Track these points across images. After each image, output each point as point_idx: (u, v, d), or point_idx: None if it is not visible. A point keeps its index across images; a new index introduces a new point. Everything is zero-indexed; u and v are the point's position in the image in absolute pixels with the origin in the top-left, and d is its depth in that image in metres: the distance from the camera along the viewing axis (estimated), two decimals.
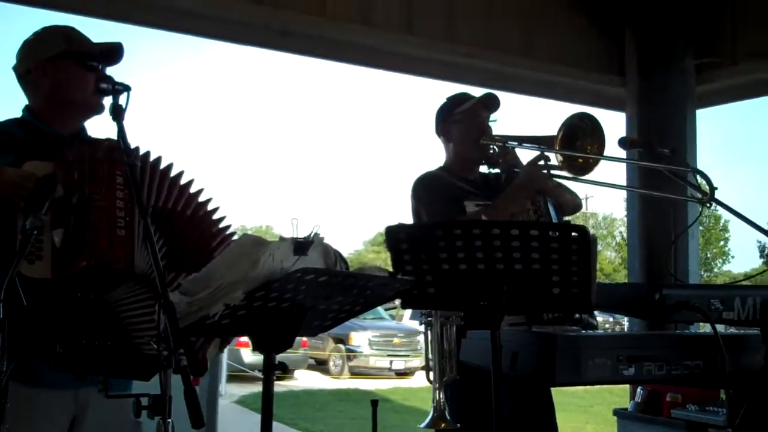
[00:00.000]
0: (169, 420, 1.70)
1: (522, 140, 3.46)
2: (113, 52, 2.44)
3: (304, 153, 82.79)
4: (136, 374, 2.05)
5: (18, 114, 2.51)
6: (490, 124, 3.54)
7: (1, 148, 2.30)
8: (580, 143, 3.35)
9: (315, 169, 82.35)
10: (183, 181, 2.48)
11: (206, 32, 5.29)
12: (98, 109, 2.46)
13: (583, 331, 2.77)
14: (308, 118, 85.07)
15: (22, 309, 1.84)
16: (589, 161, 3.32)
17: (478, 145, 3.49)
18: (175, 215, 2.42)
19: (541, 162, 3.32)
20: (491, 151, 3.50)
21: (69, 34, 2.50)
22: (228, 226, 2.56)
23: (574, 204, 3.58)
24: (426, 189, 3.46)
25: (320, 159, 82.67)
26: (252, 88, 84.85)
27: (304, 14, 5.08)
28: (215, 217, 2.55)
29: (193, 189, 2.51)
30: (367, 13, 5.27)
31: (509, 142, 3.45)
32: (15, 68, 2.52)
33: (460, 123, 3.55)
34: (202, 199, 2.53)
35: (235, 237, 2.50)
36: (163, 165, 2.43)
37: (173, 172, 2.46)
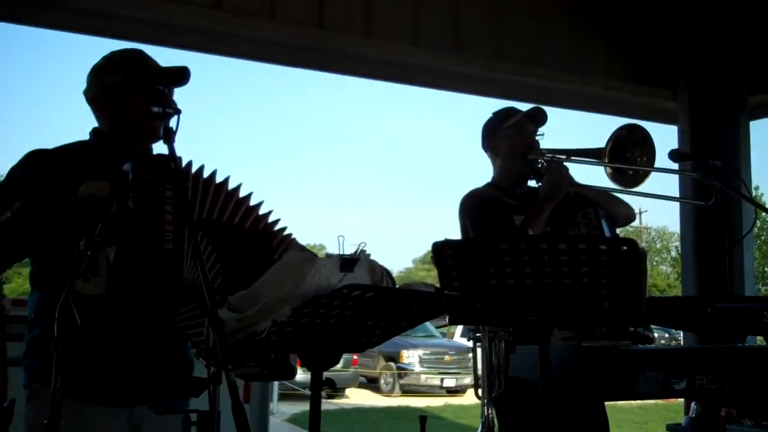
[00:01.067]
0: None
1: (570, 153, 3.43)
2: (178, 75, 2.46)
3: (357, 171, 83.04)
4: (186, 391, 2.07)
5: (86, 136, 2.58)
6: (537, 138, 3.52)
7: (65, 169, 2.36)
8: (630, 155, 3.31)
9: (366, 187, 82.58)
10: (241, 194, 2.49)
11: (258, 56, 5.39)
12: (158, 134, 2.50)
13: (635, 346, 2.74)
14: (363, 135, 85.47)
15: (76, 328, 1.87)
16: (639, 173, 3.28)
17: (525, 159, 3.45)
18: (231, 228, 2.42)
19: (559, 170, 3.32)
20: (539, 166, 3.47)
21: (134, 59, 2.55)
22: (290, 235, 2.55)
23: (626, 215, 3.52)
24: (474, 206, 3.45)
25: (372, 177, 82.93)
26: (304, 105, 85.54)
27: (352, 35, 5.14)
28: (276, 228, 2.54)
29: (252, 202, 2.51)
30: (415, 34, 5.31)
31: (557, 156, 3.42)
32: (85, 92, 2.59)
33: (507, 138, 3.52)
34: (262, 212, 2.53)
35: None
36: (219, 179, 2.45)
37: (230, 186, 2.47)
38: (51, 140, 2.56)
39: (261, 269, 2.36)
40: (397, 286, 2.11)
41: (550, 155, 3.44)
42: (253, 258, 2.44)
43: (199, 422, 1.70)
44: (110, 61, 2.58)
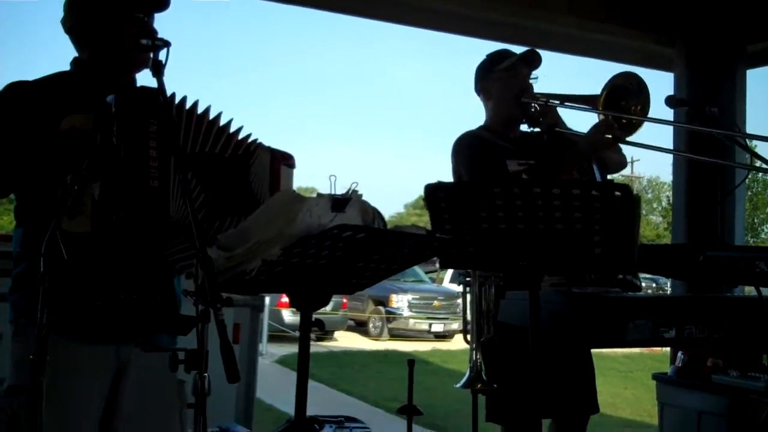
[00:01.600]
0: (206, 374, 1.69)
1: (564, 99, 3.38)
2: (158, 0, 2.39)
3: (349, 113, 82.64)
4: (174, 328, 2.06)
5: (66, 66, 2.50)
6: (531, 81, 3.47)
7: (46, 102, 2.31)
8: (624, 103, 3.28)
9: (358, 130, 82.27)
10: (222, 122, 2.39)
11: None
12: (143, 64, 2.43)
13: (625, 293, 2.74)
14: (356, 77, 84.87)
15: (62, 263, 1.85)
16: (633, 122, 3.25)
17: (519, 103, 3.41)
18: (213, 158, 2.35)
19: (606, 130, 3.22)
20: (532, 110, 3.43)
21: None
22: (255, 140, 2.45)
23: (618, 162, 3.49)
24: (467, 148, 3.41)
25: (363, 120, 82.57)
26: (298, 45, 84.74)
27: None
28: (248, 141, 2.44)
29: (232, 129, 2.41)
30: None
31: (551, 101, 3.38)
32: (62, 22, 2.50)
33: (501, 80, 3.47)
34: (241, 136, 2.43)
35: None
36: (200, 109, 2.35)
37: (211, 115, 2.37)
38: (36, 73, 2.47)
39: (240, 193, 2.34)
40: (388, 228, 2.08)
41: (544, 99, 3.40)
42: (232, 183, 2.38)
43: (187, 360, 1.69)
44: None
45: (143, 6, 2.41)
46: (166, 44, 2.09)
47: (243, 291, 1.95)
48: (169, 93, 2.13)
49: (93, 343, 2.31)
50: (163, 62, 2.05)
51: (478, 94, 3.59)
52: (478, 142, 3.43)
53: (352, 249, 1.92)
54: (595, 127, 3.24)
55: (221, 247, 1.80)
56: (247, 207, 2.24)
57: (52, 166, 2.15)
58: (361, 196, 1.94)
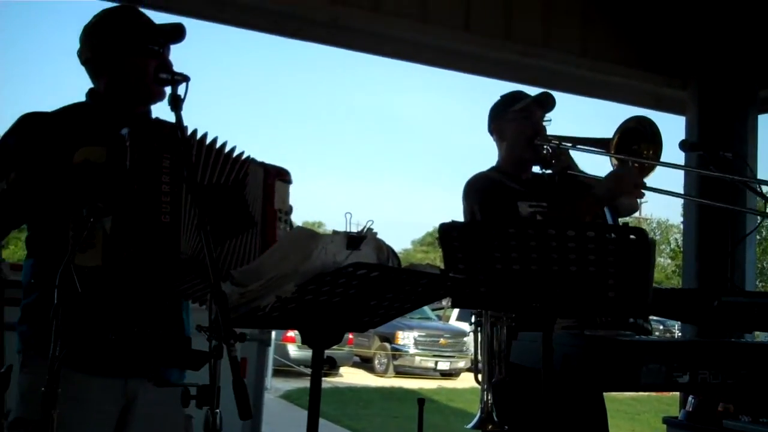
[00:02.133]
0: (217, 410, 1.69)
1: (577, 141, 3.39)
2: (174, 33, 2.37)
3: (359, 150, 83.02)
4: (186, 364, 2.05)
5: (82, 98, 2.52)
6: (545, 124, 3.48)
7: (61, 133, 2.32)
8: (636, 147, 3.28)
9: (367, 166, 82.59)
10: (218, 144, 2.36)
11: (259, 26, 5.34)
12: (159, 97, 2.45)
13: (637, 337, 2.72)
14: (367, 114, 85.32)
15: (76, 296, 1.84)
16: (645, 166, 3.25)
17: (531, 145, 3.41)
18: (218, 188, 2.34)
19: (630, 177, 3.19)
20: (545, 152, 3.44)
21: (126, 18, 2.47)
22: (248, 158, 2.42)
23: (630, 207, 3.49)
24: (478, 190, 3.41)
25: (374, 157, 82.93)
26: (307, 81, 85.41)
27: (355, 8, 5.09)
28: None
29: (227, 149, 2.38)
30: (423, 10, 5.26)
31: (563, 144, 3.39)
32: (78, 54, 2.51)
33: (515, 121, 3.47)
34: (235, 154, 2.40)
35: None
36: (209, 139, 2.34)
37: (218, 144, 2.36)
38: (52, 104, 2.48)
39: (236, 214, 2.33)
40: (402, 267, 2.08)
41: (557, 141, 3.40)
42: (231, 207, 2.36)
43: (198, 396, 1.68)
44: (102, 20, 2.48)
45: (159, 38, 2.42)
46: (186, 79, 2.10)
47: (255, 326, 1.95)
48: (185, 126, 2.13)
49: (102, 376, 2.30)
50: (182, 97, 2.06)
51: (492, 135, 3.59)
52: (490, 184, 3.42)
53: (366, 287, 1.91)
54: (614, 175, 3.23)
55: (235, 283, 1.80)
56: (243, 226, 2.25)
57: (65, 199, 2.15)
58: (376, 234, 1.94)
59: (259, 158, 2.45)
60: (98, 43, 2.45)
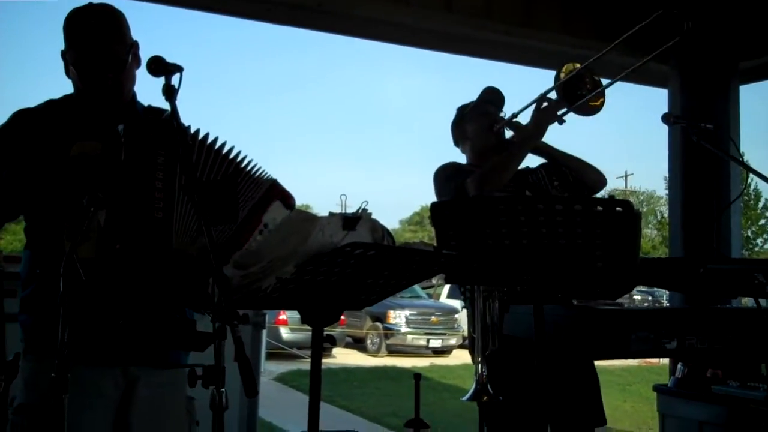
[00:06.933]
0: (223, 389, 1.73)
1: (526, 107, 3.49)
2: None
3: (344, 131, 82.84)
4: (192, 345, 2.10)
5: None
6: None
7: (54, 128, 2.35)
8: (580, 92, 3.39)
9: (353, 147, 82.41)
10: (216, 145, 2.37)
11: (247, 12, 5.36)
12: (121, 66, 2.44)
13: (627, 304, 2.78)
14: (350, 95, 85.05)
15: (78, 285, 1.88)
16: (596, 104, 3.39)
17: (492, 131, 3.54)
18: (210, 183, 2.35)
19: (545, 104, 3.35)
20: (506, 138, 3.55)
21: (68, 27, 2.45)
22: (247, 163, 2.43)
23: (597, 181, 3.57)
24: (444, 178, 3.50)
25: (359, 137, 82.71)
26: (288, 66, 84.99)
27: None
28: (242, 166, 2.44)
29: (233, 154, 2.40)
30: None
31: (517, 118, 3.51)
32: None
33: (471, 120, 3.63)
34: (227, 150, 2.41)
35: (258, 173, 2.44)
36: (201, 135, 2.34)
37: (217, 144, 2.37)
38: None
39: (224, 206, 2.33)
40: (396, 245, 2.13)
41: (511, 118, 3.52)
42: (221, 199, 2.36)
43: (204, 376, 1.73)
44: (64, 23, 2.47)
45: (99, 67, 2.42)
46: (179, 69, 2.12)
47: (256, 307, 2.00)
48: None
49: (102, 365, 2.33)
50: (176, 87, 2.08)
51: (457, 145, 3.73)
52: (456, 172, 3.51)
53: (363, 266, 1.97)
54: (536, 109, 3.38)
55: (236, 265, 1.85)
56: (223, 218, 2.28)
57: (63, 191, 2.18)
58: (370, 214, 1.99)
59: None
60: (64, 45, 2.46)
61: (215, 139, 2.36)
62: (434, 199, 3.37)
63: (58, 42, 2.46)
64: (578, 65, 3.41)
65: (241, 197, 2.38)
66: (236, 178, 2.39)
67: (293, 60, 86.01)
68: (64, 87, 2.51)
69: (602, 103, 3.40)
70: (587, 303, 2.91)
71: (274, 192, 2.47)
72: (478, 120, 3.60)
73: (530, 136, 3.38)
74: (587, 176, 3.52)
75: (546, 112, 3.36)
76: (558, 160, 3.52)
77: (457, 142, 3.73)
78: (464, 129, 3.67)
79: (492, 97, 3.62)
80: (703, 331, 2.46)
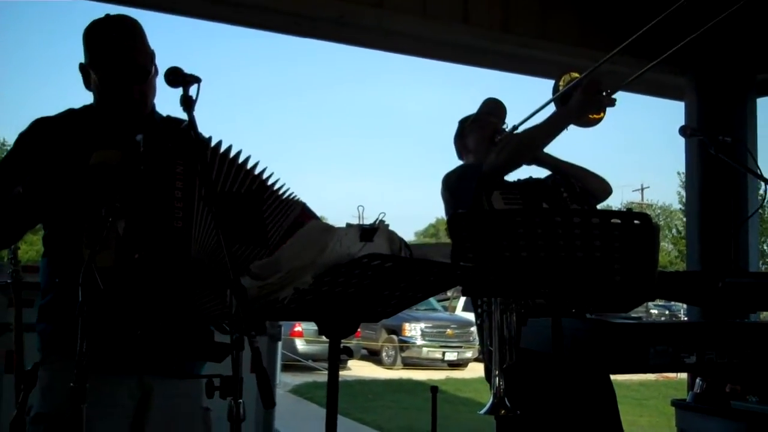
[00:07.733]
0: (241, 400, 1.73)
1: (528, 118, 3.48)
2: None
3: (360, 143, 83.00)
4: (210, 356, 2.09)
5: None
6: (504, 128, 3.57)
7: (73, 136, 2.37)
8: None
9: (368, 159, 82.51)
10: (241, 160, 2.35)
11: (262, 24, 5.38)
12: (145, 76, 2.47)
13: (644, 318, 2.77)
14: (366, 107, 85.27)
15: (97, 294, 1.88)
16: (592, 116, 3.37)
17: (493, 142, 3.51)
18: (232, 196, 2.33)
19: (591, 88, 3.32)
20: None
21: (89, 41, 2.48)
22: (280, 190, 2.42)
23: (602, 190, 3.56)
24: (456, 178, 3.49)
25: (375, 149, 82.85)
26: (306, 76, 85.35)
27: (361, 5, 5.14)
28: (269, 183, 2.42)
29: (248, 165, 2.37)
30: (422, 4, 5.31)
31: (518, 129, 3.48)
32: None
33: (472, 132, 3.62)
34: (251, 165, 2.39)
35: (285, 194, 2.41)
36: (223, 148, 2.32)
37: (241, 158, 2.35)
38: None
39: (250, 224, 2.33)
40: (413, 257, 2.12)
41: (513, 129, 3.50)
42: (245, 215, 2.36)
43: (222, 387, 1.73)
44: (84, 36, 2.49)
45: (125, 80, 2.44)
46: (197, 80, 2.13)
47: (274, 318, 2.00)
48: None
49: (118, 374, 2.33)
50: (194, 98, 2.09)
51: (461, 158, 3.71)
52: (464, 166, 3.51)
53: (380, 277, 1.96)
54: (580, 89, 3.33)
55: (254, 276, 1.85)
56: (253, 240, 2.26)
57: (82, 199, 2.19)
58: (388, 226, 1.99)
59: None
60: (85, 58, 2.49)
61: (238, 153, 2.34)
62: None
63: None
64: (577, 75, 3.40)
65: (270, 219, 2.37)
66: (262, 194, 2.38)
67: (312, 70, 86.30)
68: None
69: (603, 117, 3.40)
70: (601, 316, 2.90)
71: (305, 216, 2.45)
72: (479, 132, 3.59)
73: (568, 115, 3.32)
74: (591, 184, 3.52)
75: (594, 99, 3.32)
76: (561, 169, 3.52)
77: (460, 156, 3.72)
78: (465, 142, 3.66)
79: (493, 108, 3.61)
80: (723, 346, 2.43)
